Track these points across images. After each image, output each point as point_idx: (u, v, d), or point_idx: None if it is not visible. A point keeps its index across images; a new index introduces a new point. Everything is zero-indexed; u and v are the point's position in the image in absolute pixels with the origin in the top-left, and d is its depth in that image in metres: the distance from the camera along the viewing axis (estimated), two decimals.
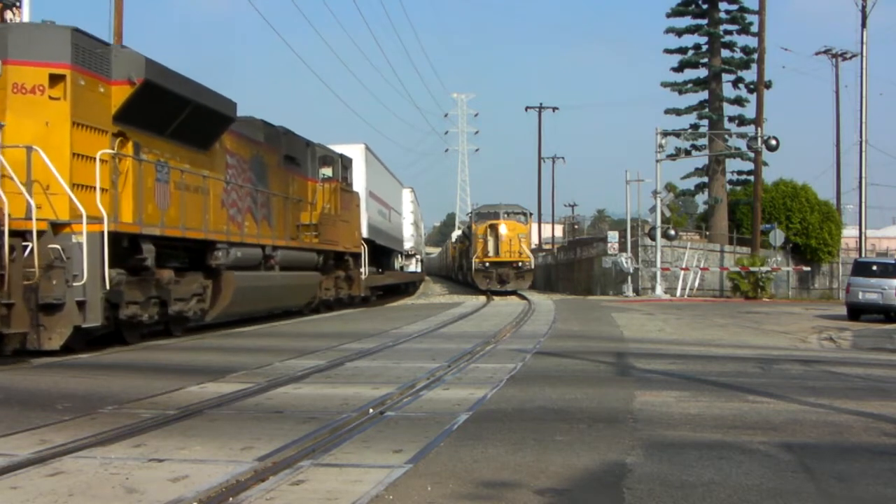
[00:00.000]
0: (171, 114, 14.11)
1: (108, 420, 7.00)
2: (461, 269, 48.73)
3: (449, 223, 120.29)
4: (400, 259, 44.45)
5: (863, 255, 35.30)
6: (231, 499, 4.76)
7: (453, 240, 60.17)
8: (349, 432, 6.56)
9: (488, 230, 38.02)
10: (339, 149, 24.71)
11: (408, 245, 45.72)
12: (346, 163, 24.58)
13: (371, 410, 7.45)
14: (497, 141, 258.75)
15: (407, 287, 43.43)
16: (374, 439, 6.32)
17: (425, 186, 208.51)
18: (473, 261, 38.40)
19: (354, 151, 27.77)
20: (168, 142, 14.38)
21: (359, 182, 27.66)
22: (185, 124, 14.49)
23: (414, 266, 50.06)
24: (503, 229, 37.74)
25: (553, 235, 74.49)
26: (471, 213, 46.04)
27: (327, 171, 23.05)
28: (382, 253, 35.24)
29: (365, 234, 27.66)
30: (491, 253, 37.69)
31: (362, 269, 25.99)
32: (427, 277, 62.20)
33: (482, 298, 33.53)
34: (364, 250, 25.90)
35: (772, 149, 34.54)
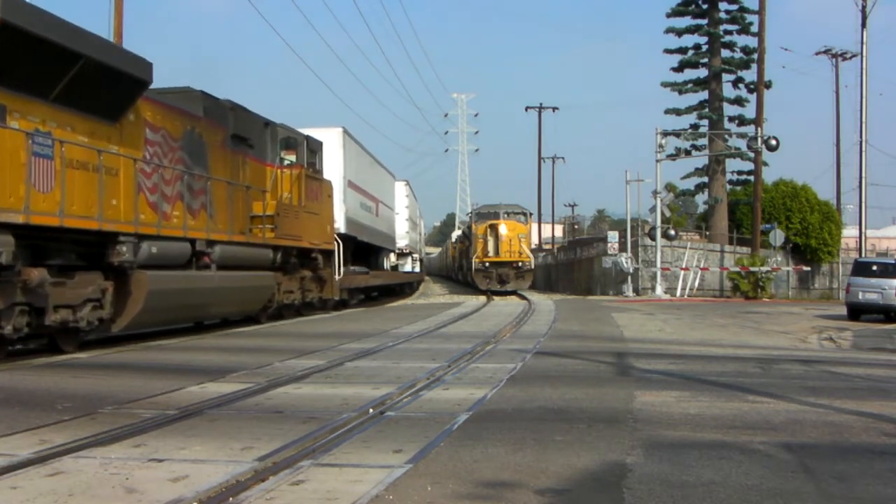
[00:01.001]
0: (53, 71, 11.39)
1: (108, 420, 7.00)
2: (461, 269, 48.72)
3: (449, 223, 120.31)
4: (392, 258, 41.13)
5: (863, 255, 35.31)
6: (231, 499, 4.76)
7: (453, 240, 60.16)
8: (349, 432, 6.56)
9: (488, 230, 38.03)
10: (312, 133, 22.02)
11: (401, 243, 42.24)
12: (313, 146, 21.50)
13: (371, 410, 7.45)
14: (497, 141, 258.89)
15: (402, 288, 40.83)
16: (374, 439, 6.32)
17: (425, 186, 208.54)
18: (473, 261, 38.40)
19: (329, 135, 24.90)
20: (54, 108, 11.64)
21: (334, 170, 24.62)
22: (76, 86, 11.77)
23: (410, 265, 46.25)
24: (503, 229, 37.74)
25: (553, 235, 74.51)
26: (471, 213, 46.02)
27: (290, 156, 20.26)
28: (370, 251, 32.95)
29: (342, 228, 25.06)
30: (491, 253, 37.70)
31: (337, 269, 22.96)
32: (427, 277, 62.17)
33: (482, 298, 33.53)
34: (339, 247, 22.98)
35: (772, 149, 34.56)
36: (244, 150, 17.96)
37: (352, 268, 28.48)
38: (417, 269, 50.47)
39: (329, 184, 22.83)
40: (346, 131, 26.84)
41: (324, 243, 22.01)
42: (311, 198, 20.83)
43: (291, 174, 19.94)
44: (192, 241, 15.29)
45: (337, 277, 23.05)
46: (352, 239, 27.31)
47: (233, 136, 17.33)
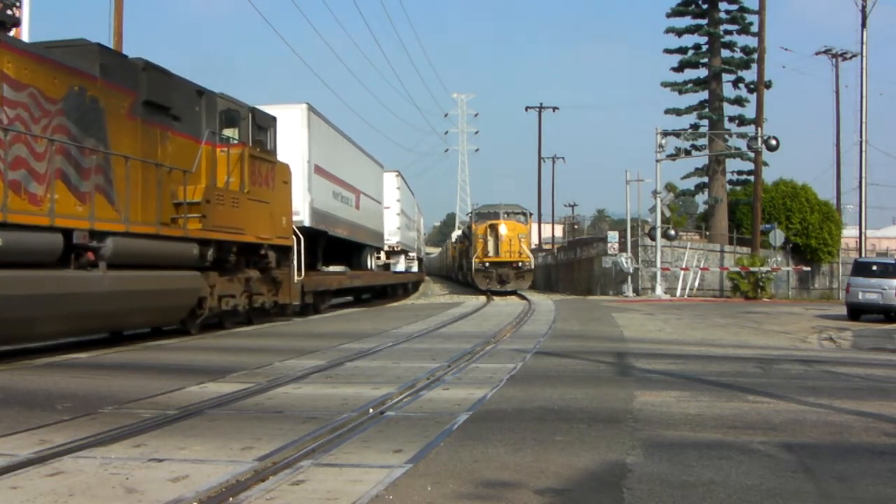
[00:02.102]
0: None
1: (108, 420, 7.00)
2: (461, 269, 48.71)
3: (449, 223, 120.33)
4: (381, 257, 37.24)
5: (863, 255, 35.33)
6: (231, 499, 4.76)
7: (453, 240, 60.16)
8: (349, 432, 6.56)
9: (488, 230, 38.03)
10: (270, 110, 19.26)
11: (392, 239, 38.02)
12: (262, 122, 18.12)
13: (371, 410, 7.45)
14: (497, 141, 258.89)
15: (394, 290, 37.22)
16: (374, 439, 6.32)
17: (425, 186, 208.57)
18: (473, 261, 38.40)
19: (290, 113, 21.85)
20: None
21: (296, 153, 21.59)
22: None
23: (404, 265, 41.60)
24: (503, 229, 37.74)
25: (553, 235, 74.52)
26: (471, 213, 45.99)
27: (233, 133, 17.13)
28: (351, 248, 30.20)
29: (305, 220, 22.09)
30: (491, 253, 37.70)
31: (296, 268, 19.92)
32: (427, 277, 62.13)
33: (482, 298, 33.53)
34: (301, 242, 19.81)
35: (772, 149, 34.57)
36: (165, 123, 14.70)
37: (329, 268, 26.43)
38: (415, 269, 46.81)
39: (285, 168, 19.44)
40: (311, 108, 23.25)
41: (277, 237, 18.57)
42: (258, 183, 17.56)
43: (232, 154, 16.76)
44: (68, 232, 11.88)
45: (297, 278, 19.90)
46: (321, 234, 24.35)
47: (146, 103, 14.03)
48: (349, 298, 31.68)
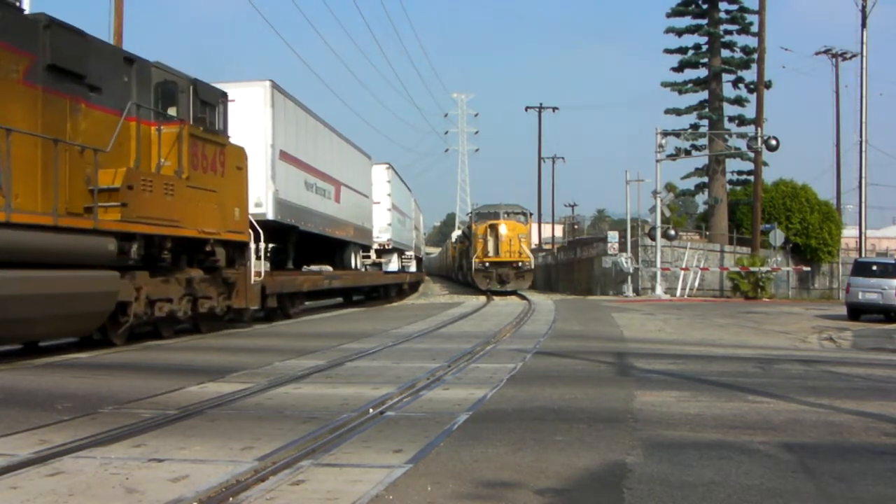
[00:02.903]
0: None
1: (108, 420, 7.00)
2: (461, 269, 48.70)
3: (449, 223, 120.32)
4: (370, 255, 34.38)
5: (863, 255, 35.32)
6: (231, 499, 4.76)
7: (453, 240, 60.16)
8: (349, 432, 6.56)
9: (488, 230, 38.03)
10: (228, 88, 17.21)
11: (383, 237, 34.88)
12: (207, 96, 15.51)
13: (371, 410, 7.45)
14: (497, 141, 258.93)
15: (387, 291, 34.44)
16: (374, 439, 6.32)
17: (425, 186, 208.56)
18: (473, 261, 38.40)
19: (250, 92, 19.53)
20: None
21: (257, 136, 19.13)
22: None
23: (397, 264, 38.45)
24: (503, 229, 37.74)
25: (553, 235, 74.51)
26: (471, 213, 45.98)
27: (171, 109, 14.89)
28: (334, 246, 27.66)
29: (269, 213, 19.66)
30: (491, 253, 37.70)
31: (252, 267, 17.25)
32: (427, 277, 62.12)
33: (482, 298, 33.53)
34: (260, 237, 17.35)
35: (772, 149, 34.58)
36: (77, 93, 12.52)
37: (312, 267, 24.90)
38: (413, 269, 44.21)
39: (239, 152, 16.81)
40: (276, 87, 20.41)
41: (227, 232, 15.96)
42: (201, 167, 15.07)
43: (169, 133, 14.33)
44: None
45: (255, 279, 17.31)
46: (291, 229, 21.96)
47: (49, 67, 11.87)
48: (337, 300, 30.52)
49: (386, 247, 35.55)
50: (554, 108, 69.02)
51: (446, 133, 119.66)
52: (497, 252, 37.57)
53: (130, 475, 5.22)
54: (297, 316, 21.50)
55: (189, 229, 14.62)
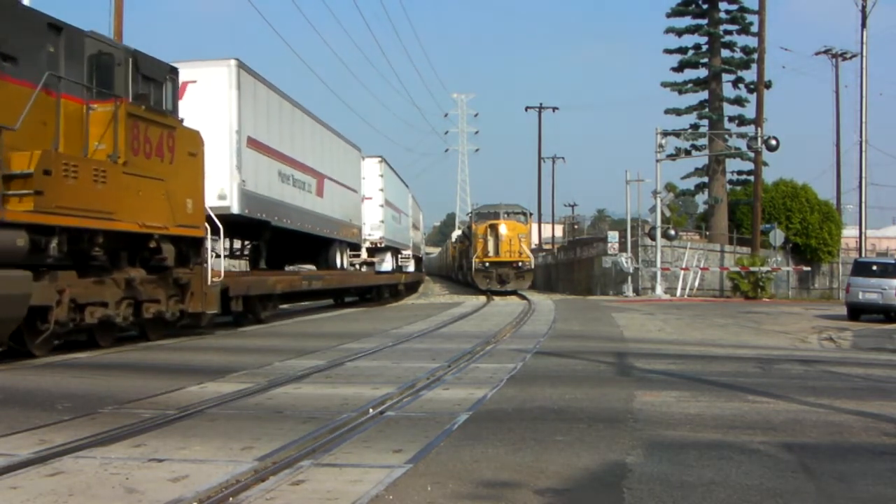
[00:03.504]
0: None
1: (108, 420, 7.00)
2: (461, 269, 48.69)
3: (449, 223, 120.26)
4: (362, 254, 32.52)
5: (863, 255, 35.31)
6: (231, 499, 4.76)
7: (453, 240, 60.14)
8: (349, 432, 6.56)
9: (488, 230, 38.02)
10: (187, 67, 15.94)
11: (375, 234, 32.66)
12: (151, 71, 13.50)
13: (371, 410, 7.45)
14: (497, 141, 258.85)
15: (380, 293, 32.57)
16: (374, 439, 6.32)
17: (425, 186, 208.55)
18: (473, 261, 38.39)
19: (212, 72, 17.71)
20: None
21: (219, 121, 17.23)
22: None
23: (390, 264, 35.90)
24: (503, 229, 37.73)
25: (553, 235, 74.51)
26: (471, 213, 45.96)
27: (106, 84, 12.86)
28: (318, 244, 25.56)
29: (234, 206, 17.67)
30: (491, 253, 37.69)
31: (210, 266, 15.38)
32: (427, 277, 62.11)
33: (482, 298, 33.53)
34: (220, 233, 15.64)
35: (772, 149, 34.58)
36: None
37: (293, 267, 23.53)
38: (411, 269, 42.70)
39: (193, 136, 14.90)
40: (243, 66, 18.25)
41: (177, 226, 14.08)
42: (144, 152, 13.22)
43: (98, 113, 12.55)
44: None
45: (214, 280, 15.46)
46: (262, 224, 19.95)
47: None
48: (327, 302, 29.02)
49: (378, 245, 33.23)
50: (554, 108, 69.05)
51: (446, 133, 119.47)
52: (497, 252, 37.57)
53: (130, 475, 5.22)
54: (270, 321, 19.36)
55: (127, 223, 12.73)
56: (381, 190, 33.23)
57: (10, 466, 5.37)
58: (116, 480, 5.10)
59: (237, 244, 24.10)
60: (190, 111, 15.47)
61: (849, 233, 50.74)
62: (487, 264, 37.76)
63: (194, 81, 16.55)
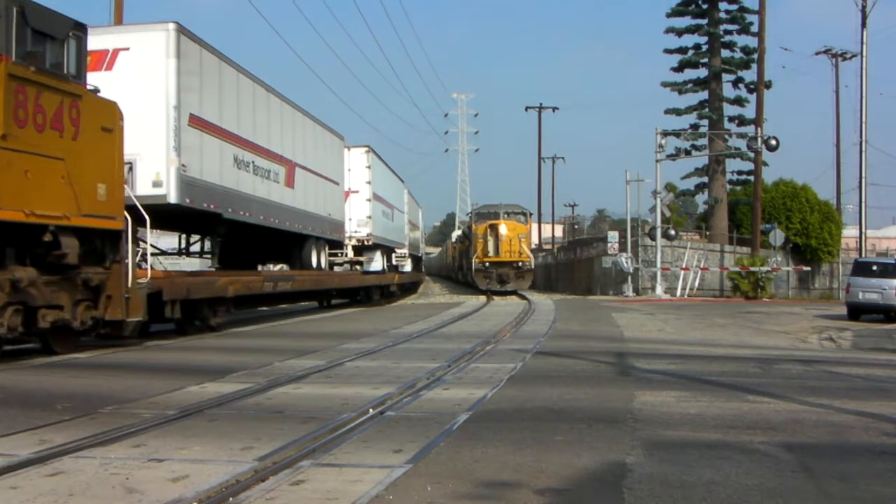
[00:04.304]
0: None
1: (108, 420, 7.00)
2: (461, 269, 48.70)
3: (449, 223, 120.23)
4: (347, 252, 29.53)
5: (863, 255, 35.30)
6: (231, 499, 4.76)
7: (453, 240, 60.14)
8: (349, 432, 6.56)
9: (488, 230, 38.03)
10: (115, 33, 14.79)
11: (362, 231, 29.74)
12: (44, 25, 11.15)
13: (371, 410, 7.45)
14: (497, 141, 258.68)
15: (367, 295, 30.60)
16: (374, 439, 6.32)
17: (425, 186, 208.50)
18: (473, 261, 38.40)
19: (146, 38, 15.14)
20: None
21: (155, 95, 14.79)
22: None
23: (381, 263, 32.62)
24: (503, 229, 37.74)
25: (553, 235, 74.50)
26: (471, 213, 45.95)
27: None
28: (292, 241, 22.83)
29: (171, 195, 14.84)
30: (491, 253, 37.70)
31: (131, 265, 12.76)
32: (427, 277, 62.09)
33: (482, 298, 33.53)
34: (146, 224, 13.42)
35: (772, 149, 34.59)
36: None
37: (269, 266, 21.64)
38: (408, 269, 40.28)
39: (110, 109, 12.59)
40: (184, 31, 15.55)
41: (82, 216, 11.70)
42: (34, 124, 10.86)
43: None
44: None
45: (138, 280, 12.98)
46: (212, 217, 17.13)
47: None
48: (311, 304, 27.78)
49: (366, 243, 30.24)
50: (554, 108, 68.95)
51: (446, 133, 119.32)
52: (497, 252, 37.57)
53: (130, 475, 5.22)
54: (223, 328, 17.09)
55: (7, 210, 10.33)
56: (369, 183, 30.17)
57: (10, 466, 5.37)
58: (116, 480, 5.10)
59: (211, 242, 20.72)
60: (121, 84, 13.72)
61: (849, 233, 50.74)
62: (487, 264, 37.77)
63: (126, 49, 14.37)
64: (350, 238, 29.13)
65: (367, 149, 30.31)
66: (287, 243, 22.86)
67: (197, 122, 16.02)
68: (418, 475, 5.25)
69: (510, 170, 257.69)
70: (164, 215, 15.11)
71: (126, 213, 12.84)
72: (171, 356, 12.41)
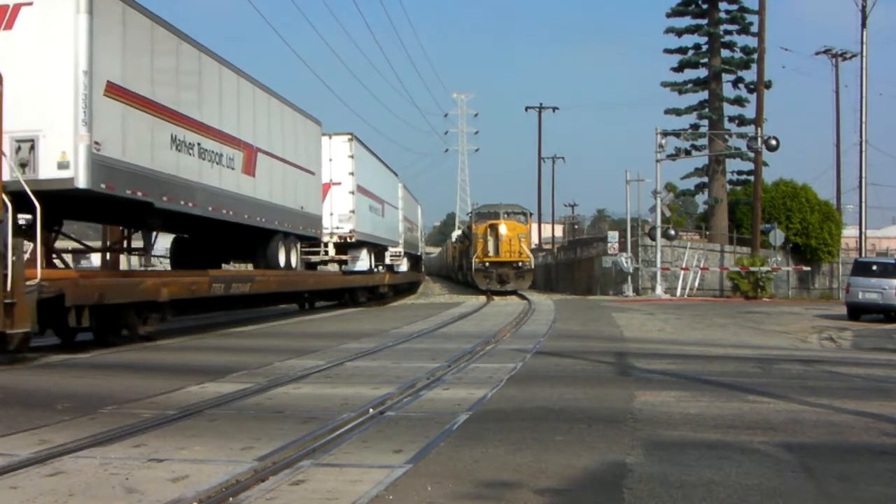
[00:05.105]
0: None
1: (108, 420, 7.00)
2: (461, 269, 48.69)
3: (449, 223, 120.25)
4: (329, 251, 27.29)
5: (863, 255, 35.30)
6: (231, 499, 4.76)
7: (453, 240, 60.14)
8: (349, 432, 6.56)
9: (488, 230, 38.02)
10: None
11: (344, 227, 27.02)
12: None
13: (371, 410, 7.45)
14: (497, 141, 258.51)
15: (352, 297, 28.17)
16: (374, 439, 6.32)
17: (425, 186, 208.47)
18: (473, 261, 38.39)
19: None
20: None
21: (60, 57, 12.43)
22: None
23: (367, 262, 29.61)
24: (503, 229, 37.73)
25: (553, 235, 74.51)
26: (471, 213, 45.93)
27: None
28: (258, 237, 20.08)
29: (80, 179, 12.33)
30: (491, 253, 37.69)
31: (10, 265, 10.50)
32: (427, 277, 62.09)
33: (482, 298, 33.54)
34: (36, 213, 11.26)
35: (772, 149, 34.58)
36: None
37: (234, 266, 20.13)
38: (404, 268, 38.67)
39: None
40: None
41: None
42: None
43: None
44: None
45: (27, 282, 10.85)
46: (142, 206, 14.29)
47: None
48: (292, 307, 26.03)
49: (349, 240, 27.46)
50: (554, 108, 68.92)
51: (446, 133, 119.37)
52: (497, 252, 37.56)
53: (130, 475, 5.22)
54: (158, 338, 14.50)
55: None
56: (352, 174, 27.29)
57: (10, 466, 5.37)
58: (116, 480, 5.10)
59: (143, 236, 18.08)
60: (23, 45, 12.26)
61: (849, 233, 50.75)
62: (487, 264, 37.76)
63: (29, 3, 12.44)
64: (331, 234, 26.73)
65: (349, 136, 27.60)
66: (251, 240, 20.27)
67: (118, 91, 13.41)
68: (418, 475, 5.25)
69: (510, 170, 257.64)
70: (81, 203, 13.15)
71: (6, 199, 10.67)
72: (171, 356, 12.42)
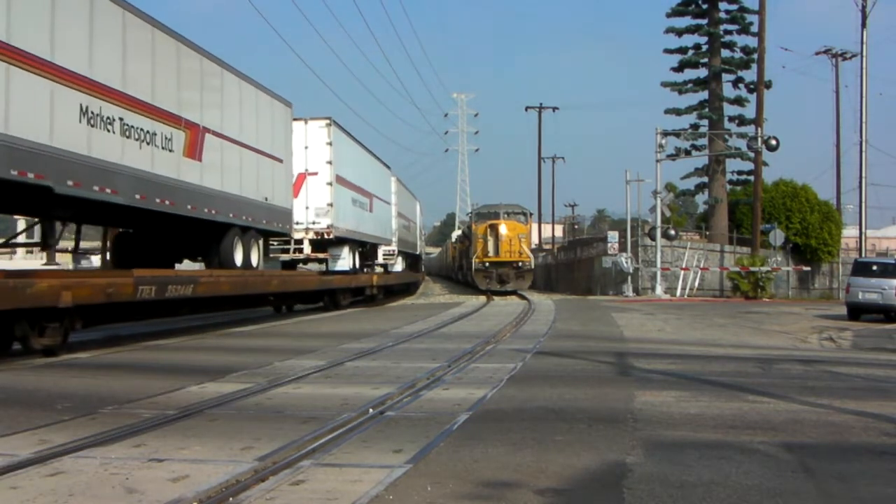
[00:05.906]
0: None
1: (108, 420, 7.00)
2: (461, 269, 48.68)
3: (449, 223, 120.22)
4: (303, 248, 24.04)
5: (863, 255, 35.30)
6: (231, 499, 4.76)
7: (453, 240, 60.14)
8: (349, 432, 6.56)
9: (488, 230, 38.02)
10: None
11: (322, 222, 24.18)
12: None
13: (371, 410, 7.45)
14: (497, 141, 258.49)
15: (333, 299, 25.71)
16: (374, 439, 6.32)
17: (425, 186, 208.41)
18: (473, 261, 38.38)
19: None
20: None
21: None
22: None
23: (349, 261, 27.06)
24: (503, 229, 37.72)
25: (553, 235, 74.50)
26: (471, 213, 45.93)
27: None
28: (204, 231, 17.48)
29: None
30: (491, 253, 37.68)
31: None
32: (427, 277, 62.07)
33: (482, 298, 33.53)
34: None
35: (772, 149, 34.59)
36: None
37: (179, 265, 17.80)
38: (398, 268, 37.06)
39: None
40: None
41: None
42: None
43: None
44: None
45: None
46: (38, 191, 11.57)
47: None
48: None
49: (326, 236, 24.55)
50: (554, 108, 68.90)
51: (446, 133, 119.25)
52: (497, 252, 37.56)
53: (130, 475, 5.22)
54: (62, 352, 12.02)
55: None
56: (330, 163, 24.36)
57: (10, 466, 5.37)
58: (116, 480, 5.10)
59: (43, 227, 14.28)
60: None
61: (849, 233, 50.73)
62: (487, 264, 37.75)
63: None
64: (307, 230, 23.92)
65: (327, 121, 24.58)
66: (203, 236, 17.80)
67: (36, 62, 11.29)
68: (418, 475, 5.25)
69: (510, 170, 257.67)
70: None
71: None
72: (171, 356, 12.42)
